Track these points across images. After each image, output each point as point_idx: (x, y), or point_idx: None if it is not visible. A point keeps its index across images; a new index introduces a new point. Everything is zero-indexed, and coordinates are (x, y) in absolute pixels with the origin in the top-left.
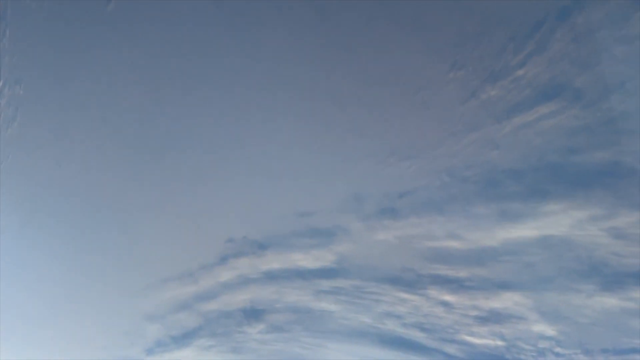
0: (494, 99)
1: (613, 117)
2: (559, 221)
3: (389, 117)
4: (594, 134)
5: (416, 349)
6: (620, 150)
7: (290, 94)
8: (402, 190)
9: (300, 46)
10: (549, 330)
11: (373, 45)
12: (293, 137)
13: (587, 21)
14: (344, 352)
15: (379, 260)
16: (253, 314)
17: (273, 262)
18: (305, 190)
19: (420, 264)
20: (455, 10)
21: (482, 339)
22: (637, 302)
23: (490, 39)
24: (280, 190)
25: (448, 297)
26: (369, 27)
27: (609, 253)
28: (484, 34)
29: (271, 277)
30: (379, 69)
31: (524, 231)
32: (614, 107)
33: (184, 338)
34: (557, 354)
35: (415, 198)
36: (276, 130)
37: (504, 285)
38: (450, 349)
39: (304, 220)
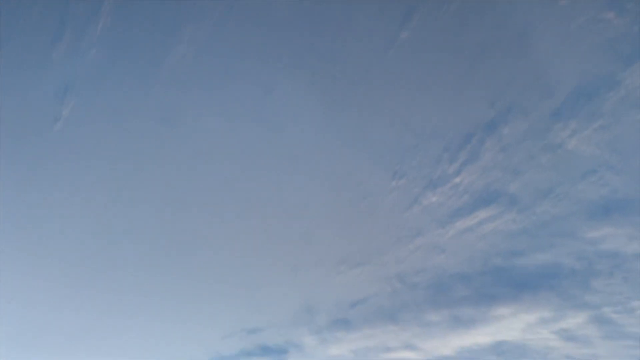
0: (435, 205)
1: (548, 220)
2: (511, 325)
3: (338, 225)
4: (532, 237)
5: None
6: (559, 252)
7: (236, 205)
8: (354, 299)
9: (252, 159)
10: None
11: (321, 157)
12: (240, 252)
13: (512, 132)
14: None
15: None
16: None
17: None
18: (254, 305)
19: None
20: (394, 125)
21: None
22: None
23: (427, 150)
24: (227, 307)
25: None
26: (315, 139)
27: (563, 356)
28: (421, 146)
29: None
30: (327, 179)
31: (478, 337)
32: (547, 211)
33: None
34: None
35: (367, 307)
36: (223, 244)
37: None
38: None
39: (253, 338)
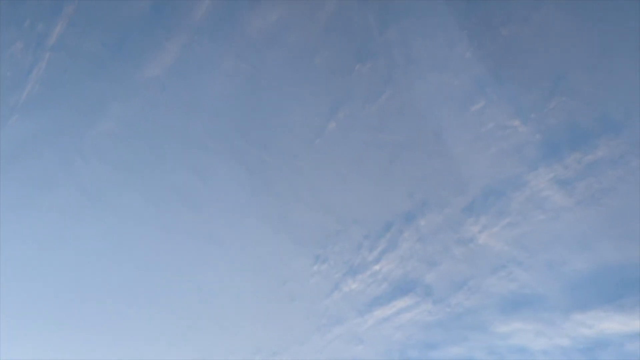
0: (355, 292)
1: (461, 313)
2: None
3: (255, 312)
4: (447, 329)
5: None
6: (472, 346)
7: (147, 290)
8: None
9: (173, 242)
10: None
11: (244, 240)
12: (144, 341)
13: (428, 224)
14: None
15: None
16: None
17: None
18: None
19: None
20: (318, 211)
21: None
22: None
23: (349, 236)
24: None
25: None
26: (240, 223)
27: None
28: (343, 232)
29: None
30: (248, 263)
31: None
32: (461, 303)
33: None
34: None
35: None
36: (127, 331)
37: None
38: None
39: None
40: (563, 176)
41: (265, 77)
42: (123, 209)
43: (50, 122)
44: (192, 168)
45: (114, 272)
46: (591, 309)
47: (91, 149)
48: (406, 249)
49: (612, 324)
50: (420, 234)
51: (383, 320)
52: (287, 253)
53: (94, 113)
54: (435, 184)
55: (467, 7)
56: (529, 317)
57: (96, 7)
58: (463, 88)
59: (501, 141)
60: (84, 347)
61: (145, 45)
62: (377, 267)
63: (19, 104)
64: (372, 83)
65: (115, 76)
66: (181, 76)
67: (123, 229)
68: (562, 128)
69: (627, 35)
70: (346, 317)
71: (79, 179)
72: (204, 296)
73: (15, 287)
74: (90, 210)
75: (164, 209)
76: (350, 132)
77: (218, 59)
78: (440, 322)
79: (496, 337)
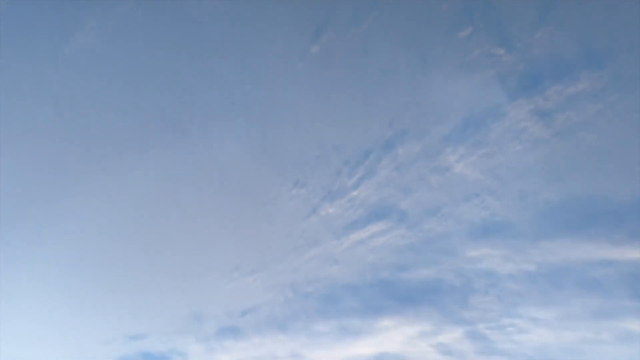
0: (332, 216)
1: (433, 237)
2: (393, 337)
3: (234, 231)
4: (418, 253)
5: None
6: (441, 269)
7: (128, 205)
8: (245, 307)
9: (156, 161)
10: None
11: (224, 162)
12: (125, 253)
13: (407, 152)
14: None
15: None
16: None
17: None
18: (137, 311)
19: None
20: (299, 135)
21: None
22: None
23: (328, 162)
24: (108, 311)
25: None
26: (221, 144)
27: None
28: (323, 157)
29: None
30: (228, 184)
31: (362, 348)
32: (433, 229)
33: None
34: None
35: (258, 315)
36: (108, 244)
37: None
38: None
39: (134, 344)
40: (543, 108)
41: None
42: (101, 128)
43: (25, 33)
44: (173, 92)
45: (91, 183)
46: (558, 237)
47: (67, 61)
48: (384, 176)
49: (577, 252)
50: (398, 162)
51: (358, 243)
52: (266, 176)
53: (69, 25)
54: (417, 113)
55: None
56: (498, 243)
57: None
58: (451, 13)
59: (485, 70)
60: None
61: None
62: (354, 193)
63: None
64: (357, 5)
65: None
66: None
67: (104, 151)
68: (545, 59)
69: None
70: (323, 239)
71: (55, 90)
72: (184, 215)
73: None
74: (66, 123)
75: (146, 126)
76: (333, 57)
77: None
78: (412, 246)
79: (465, 261)
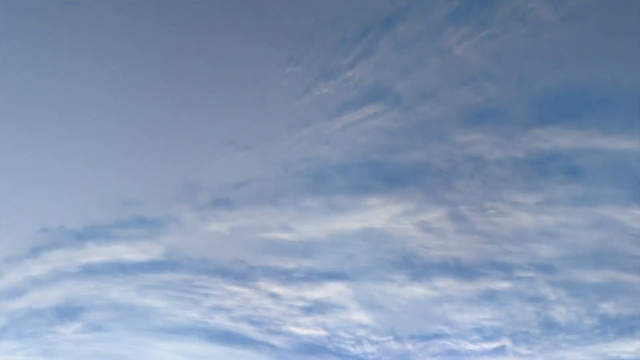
0: (326, 97)
1: (425, 121)
2: (378, 215)
3: (228, 106)
4: (409, 136)
5: (244, 343)
6: (430, 153)
7: (123, 79)
8: (237, 180)
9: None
10: (365, 318)
11: (217, 32)
12: (121, 121)
13: (407, 31)
14: (169, 350)
15: (211, 252)
16: (68, 312)
17: (93, 254)
18: (132, 178)
19: (251, 256)
20: (294, 8)
21: (306, 329)
22: (440, 291)
23: (325, 38)
24: (103, 176)
25: (276, 289)
26: (212, 13)
27: (419, 245)
28: (318, 34)
29: (90, 271)
30: (221, 57)
31: (348, 224)
32: (426, 112)
33: None
34: (372, 342)
35: (249, 189)
36: (106, 101)
37: (328, 276)
38: (277, 341)
39: (130, 210)
40: None
41: None
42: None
43: None
44: None
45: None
46: (550, 124)
47: None
48: (381, 56)
49: (567, 140)
50: (398, 41)
51: (350, 124)
52: (260, 51)
53: None
54: None
55: None
56: (489, 129)
57: None
58: None
59: None
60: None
61: None
62: (350, 73)
63: None
64: None
65: None
66: None
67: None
68: None
69: None
70: (315, 119)
71: None
72: (180, 84)
73: None
74: None
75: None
76: None
77: None
78: (404, 130)
79: (455, 146)
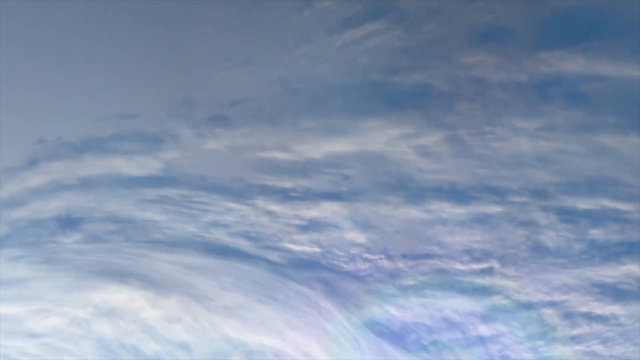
0: (327, 11)
1: (429, 40)
2: (376, 138)
3: (225, 19)
4: (412, 56)
5: (241, 257)
6: (432, 74)
7: None
8: (234, 98)
9: None
10: (359, 238)
11: None
12: (119, 33)
13: None
14: (169, 262)
15: (208, 170)
16: (68, 222)
17: (91, 167)
18: (129, 91)
19: (248, 174)
20: None
21: (302, 246)
22: (434, 214)
23: None
24: (99, 89)
25: (273, 207)
26: None
27: (415, 169)
28: None
29: (89, 184)
30: None
31: (345, 146)
32: (432, 31)
33: None
34: (365, 260)
35: (247, 107)
36: (100, 27)
37: (324, 196)
38: (273, 256)
39: (127, 123)
40: None
41: None
42: None
43: None
44: None
45: None
46: (557, 48)
47: None
48: None
49: (572, 65)
50: None
51: (351, 42)
52: None
53: None
54: None
55: None
56: (494, 50)
57: None
58: None
59: None
60: None
61: None
62: None
63: None
64: None
65: None
66: None
67: None
68: None
69: None
70: (315, 35)
71: None
72: (176, 2)
73: None
74: None
75: None
76: None
77: None
78: (407, 49)
79: (458, 67)
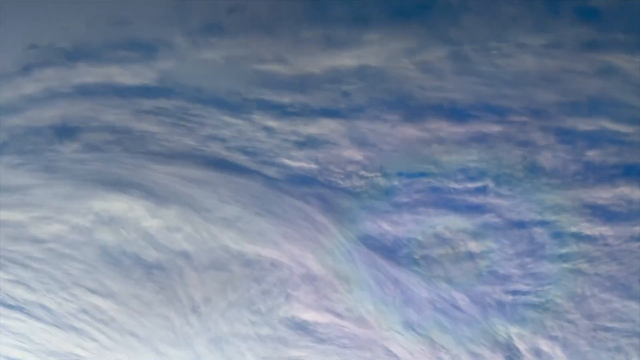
0: None
1: None
2: (377, 52)
3: None
4: None
5: (238, 171)
6: None
7: None
8: (229, 5)
9: None
10: (357, 155)
11: None
12: None
13: None
14: (167, 174)
15: (204, 82)
16: (65, 131)
17: (86, 75)
18: None
19: (245, 88)
20: None
21: (299, 162)
22: (432, 133)
23: None
24: None
25: (271, 122)
26: None
27: (416, 86)
28: None
29: (85, 92)
30: None
31: (345, 60)
32: None
33: None
34: (361, 177)
35: (243, 15)
36: None
37: (322, 112)
38: (270, 172)
39: (120, 30)
40: None
41: None
42: None
43: None
44: None
45: None
46: None
47: None
48: None
49: None
50: None
51: None
52: None
53: None
54: None
55: None
56: None
57: None
58: None
59: None
60: None
61: None
62: None
63: None
64: None
65: None
66: None
67: None
68: None
69: None
70: None
71: None
72: None
73: None
74: None
75: None
76: None
77: None
78: None
79: None
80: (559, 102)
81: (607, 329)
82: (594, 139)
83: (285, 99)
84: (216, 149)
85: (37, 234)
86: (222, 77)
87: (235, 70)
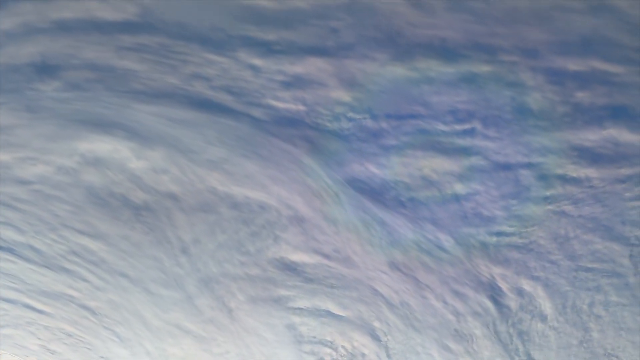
0: None
1: None
2: None
3: None
4: None
5: (223, 111)
6: None
7: None
8: None
9: None
10: (345, 96)
11: None
12: None
13: None
14: (151, 113)
15: (187, 17)
16: (45, 69)
17: (64, 9)
18: None
19: (229, 24)
20: None
21: (286, 103)
22: (421, 72)
23: None
24: None
25: (256, 61)
26: None
27: (406, 23)
28: None
29: (64, 28)
30: None
31: None
32: None
33: None
34: (349, 119)
35: None
36: None
37: (309, 51)
38: (256, 113)
39: None
40: None
41: None
42: None
43: None
44: None
45: None
46: None
47: None
48: None
49: None
50: None
51: None
52: None
53: None
54: None
55: None
56: None
57: None
58: None
59: None
60: None
61: None
62: None
63: None
64: None
65: None
66: None
67: None
68: None
69: None
70: None
71: None
72: None
73: None
74: None
75: None
76: None
77: None
78: None
79: None
80: (550, 41)
81: (588, 270)
82: (584, 80)
83: (271, 35)
84: (200, 89)
85: (22, 175)
86: (205, 11)
87: (218, 4)
